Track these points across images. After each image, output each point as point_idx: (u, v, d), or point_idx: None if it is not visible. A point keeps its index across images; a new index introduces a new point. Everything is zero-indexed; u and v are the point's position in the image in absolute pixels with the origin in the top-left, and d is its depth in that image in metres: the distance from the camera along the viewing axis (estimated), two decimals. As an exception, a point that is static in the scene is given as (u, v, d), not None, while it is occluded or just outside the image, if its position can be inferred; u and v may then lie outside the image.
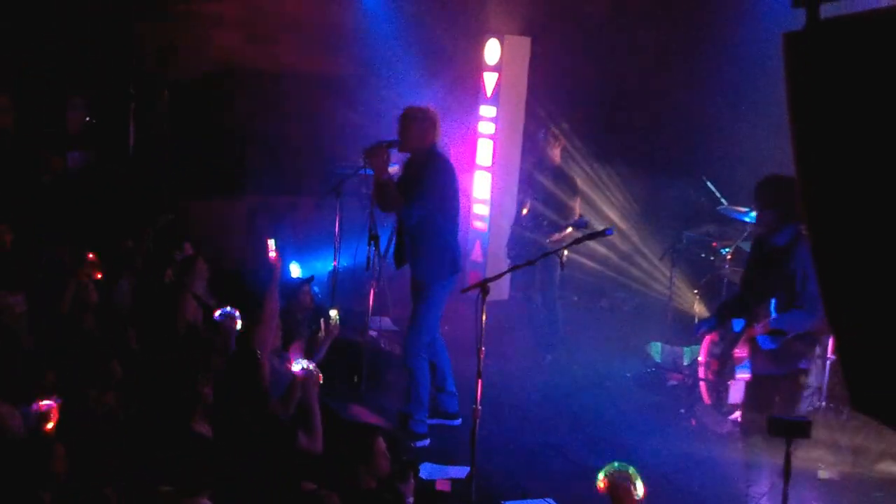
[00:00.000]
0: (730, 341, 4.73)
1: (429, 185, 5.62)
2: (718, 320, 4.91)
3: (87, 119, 8.11)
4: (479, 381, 4.62)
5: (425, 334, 5.78)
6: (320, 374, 4.81)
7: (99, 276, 5.72)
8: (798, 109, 1.70)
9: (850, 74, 1.61)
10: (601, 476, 3.94)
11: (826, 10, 1.67)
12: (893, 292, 1.61)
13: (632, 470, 3.97)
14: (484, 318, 4.51)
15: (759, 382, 4.80)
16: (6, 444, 3.73)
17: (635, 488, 3.89)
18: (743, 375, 4.69)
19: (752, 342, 4.66)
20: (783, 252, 4.57)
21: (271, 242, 5.81)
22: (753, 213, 6.62)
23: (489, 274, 7.98)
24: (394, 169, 6.59)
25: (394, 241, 5.97)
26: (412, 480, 4.21)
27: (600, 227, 5.77)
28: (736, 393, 4.77)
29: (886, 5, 1.59)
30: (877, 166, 1.58)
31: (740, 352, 4.68)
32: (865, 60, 1.58)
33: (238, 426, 4.42)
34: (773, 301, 4.49)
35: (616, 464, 4.02)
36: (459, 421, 6.01)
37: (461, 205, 5.96)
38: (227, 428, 4.38)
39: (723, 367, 4.81)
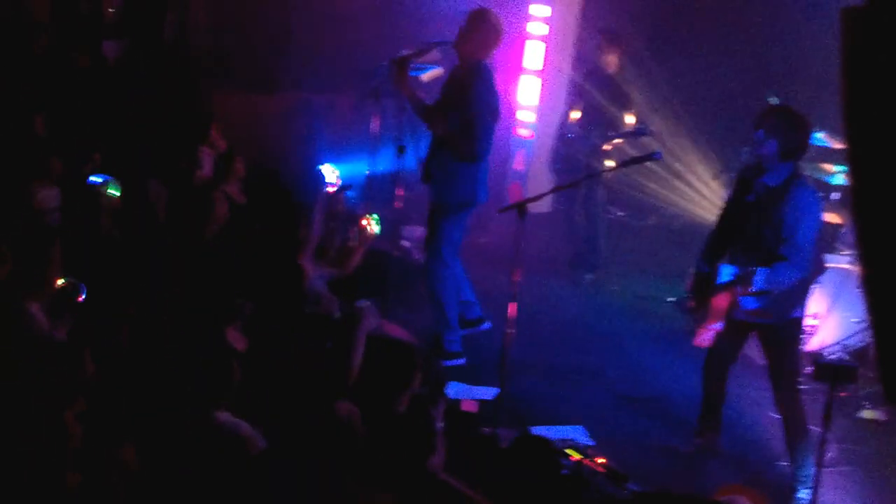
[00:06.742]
0: (710, 287, 4.56)
1: (469, 102, 5.37)
2: (709, 266, 4.67)
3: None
4: (513, 304, 4.52)
5: (448, 255, 5.61)
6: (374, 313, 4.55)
7: None
8: (853, 87, 1.67)
9: None
10: None
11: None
12: None
13: None
14: (521, 240, 4.34)
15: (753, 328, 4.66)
16: None
17: None
18: (714, 327, 4.55)
19: (734, 298, 4.45)
20: (775, 194, 4.33)
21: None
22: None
23: (530, 186, 7.71)
24: (438, 72, 6.27)
25: (425, 154, 5.76)
26: (443, 404, 4.10)
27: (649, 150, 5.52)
28: (705, 338, 4.62)
29: None
30: None
31: (718, 302, 4.49)
32: None
33: (275, 342, 4.30)
34: (761, 272, 4.27)
35: None
36: (489, 324, 5.85)
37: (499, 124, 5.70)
38: (263, 342, 4.26)
39: (697, 308, 4.69)
